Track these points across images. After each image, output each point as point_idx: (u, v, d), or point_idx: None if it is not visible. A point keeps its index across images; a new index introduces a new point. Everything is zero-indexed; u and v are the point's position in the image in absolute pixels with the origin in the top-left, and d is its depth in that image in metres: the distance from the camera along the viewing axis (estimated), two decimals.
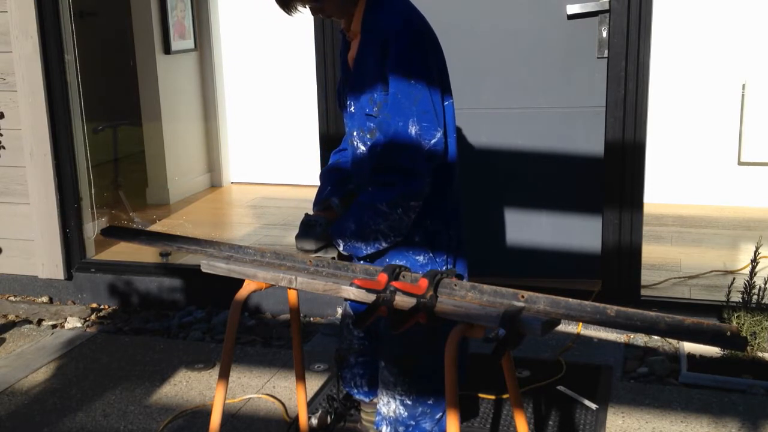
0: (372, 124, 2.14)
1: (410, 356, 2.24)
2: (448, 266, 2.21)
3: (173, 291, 3.80)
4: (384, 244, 2.10)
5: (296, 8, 2.15)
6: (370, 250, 2.11)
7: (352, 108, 2.22)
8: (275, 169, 5.76)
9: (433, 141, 2.06)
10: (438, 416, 2.26)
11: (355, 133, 2.22)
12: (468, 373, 2.36)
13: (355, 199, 2.18)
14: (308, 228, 2.15)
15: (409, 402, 2.24)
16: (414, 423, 2.25)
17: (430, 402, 2.24)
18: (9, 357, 3.35)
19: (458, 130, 3.54)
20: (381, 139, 2.09)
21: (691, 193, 5.01)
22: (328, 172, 2.40)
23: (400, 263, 2.12)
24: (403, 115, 2.04)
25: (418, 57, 2.06)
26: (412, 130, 2.04)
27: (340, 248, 2.13)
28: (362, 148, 2.21)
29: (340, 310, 3.61)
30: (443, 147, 2.10)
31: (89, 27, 5.65)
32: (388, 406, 2.28)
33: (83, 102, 3.91)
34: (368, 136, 2.16)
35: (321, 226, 2.15)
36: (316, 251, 2.12)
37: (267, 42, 5.62)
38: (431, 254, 2.17)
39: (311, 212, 2.28)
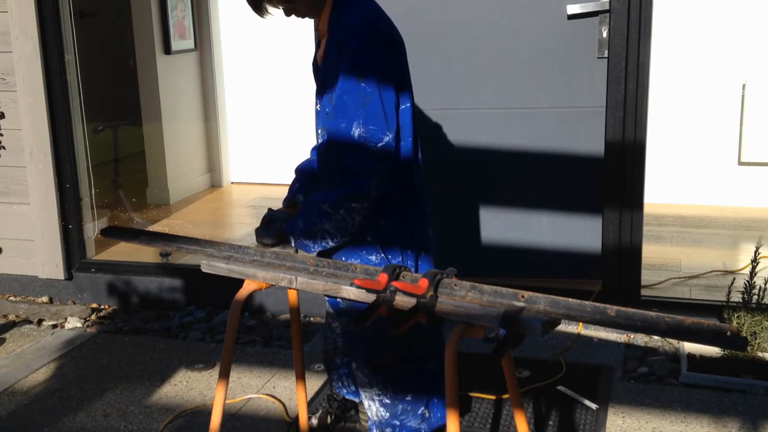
0: None
1: (379, 354, 2.24)
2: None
3: (173, 291, 3.80)
4: (331, 243, 2.13)
5: (267, 10, 2.15)
6: (317, 248, 2.15)
7: (317, 106, 2.25)
8: (275, 169, 5.74)
9: (380, 144, 2.05)
10: (420, 411, 2.26)
11: (319, 131, 2.25)
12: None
13: (308, 197, 2.23)
14: (268, 223, 2.24)
15: (387, 401, 2.24)
16: (399, 423, 2.26)
17: (408, 398, 2.25)
18: (9, 357, 3.35)
19: (459, 130, 3.54)
20: (325, 140, 2.12)
21: (691, 193, 5.01)
22: (300, 169, 2.44)
23: (354, 261, 2.13)
24: (346, 117, 2.04)
25: (370, 58, 2.05)
26: (356, 131, 2.03)
27: (292, 244, 2.18)
28: None
29: None
30: (393, 149, 2.09)
31: (89, 27, 5.65)
32: (371, 409, 2.29)
33: (83, 102, 3.91)
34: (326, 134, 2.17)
35: (280, 222, 2.21)
36: (273, 246, 2.19)
37: (267, 42, 5.61)
38: (383, 254, 2.18)
39: (278, 208, 2.34)
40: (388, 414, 2.25)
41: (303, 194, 2.35)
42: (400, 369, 2.25)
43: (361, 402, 2.53)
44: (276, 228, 2.20)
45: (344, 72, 2.04)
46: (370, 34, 2.06)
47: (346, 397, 2.53)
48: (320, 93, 2.23)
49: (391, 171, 2.12)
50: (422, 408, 2.26)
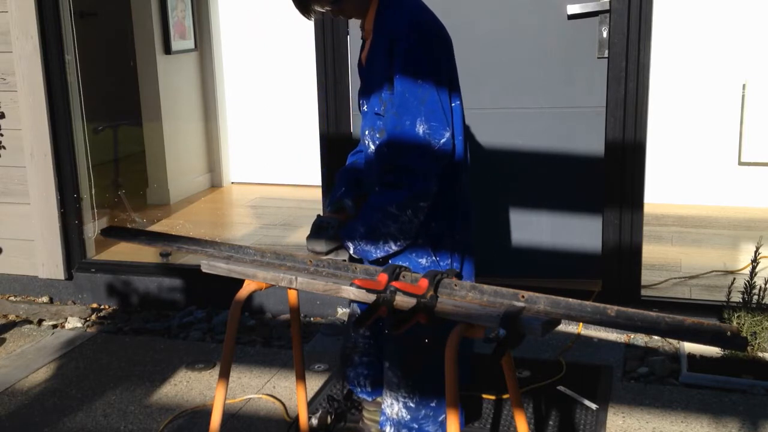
0: (381, 123, 2.13)
1: (415, 358, 2.23)
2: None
3: (173, 291, 3.80)
4: (394, 247, 2.08)
5: (315, 11, 2.15)
6: (380, 254, 2.09)
7: (364, 107, 2.22)
8: (275, 169, 5.76)
9: (442, 141, 2.04)
10: (441, 418, 2.25)
11: (366, 132, 2.22)
12: (474, 372, 2.36)
13: (366, 201, 2.17)
14: (320, 230, 2.13)
15: (412, 404, 2.23)
16: (417, 426, 2.25)
17: (433, 404, 2.24)
18: (9, 357, 3.35)
19: None
20: (388, 139, 2.08)
21: (691, 193, 5.01)
22: (343, 173, 2.38)
23: (404, 265, 2.11)
24: (410, 114, 2.02)
25: (425, 56, 2.05)
26: (420, 129, 2.02)
27: (351, 251, 2.12)
28: (372, 147, 2.20)
29: (340, 311, 3.61)
30: (451, 147, 2.09)
31: (89, 27, 5.65)
32: (392, 407, 2.28)
33: (83, 102, 3.91)
34: (377, 135, 2.15)
35: (333, 228, 2.12)
36: (327, 253, 2.11)
37: (267, 42, 5.62)
38: (434, 257, 2.16)
39: (323, 213, 2.27)
40: (409, 416, 2.24)
41: (350, 198, 2.26)
42: (432, 376, 2.23)
43: (371, 401, 2.52)
44: (330, 234, 2.11)
45: (400, 72, 2.03)
46: (421, 33, 2.05)
47: (360, 395, 2.52)
48: (366, 93, 2.20)
49: (445, 170, 2.10)
50: (443, 416, 2.25)
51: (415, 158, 2.03)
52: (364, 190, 2.28)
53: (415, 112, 2.02)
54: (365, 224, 2.08)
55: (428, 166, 2.04)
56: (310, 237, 2.13)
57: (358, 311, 2.40)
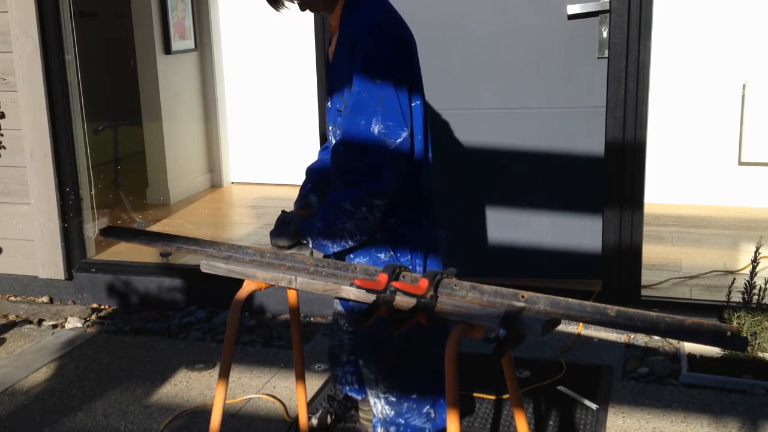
0: (341, 120, 2.15)
1: (385, 352, 2.24)
2: (415, 266, 2.21)
3: (173, 291, 3.80)
4: (350, 243, 2.11)
5: (283, 4, 2.16)
6: (336, 248, 2.12)
7: (329, 103, 2.24)
8: (275, 169, 5.76)
9: (398, 140, 2.05)
10: (425, 410, 2.26)
11: (330, 128, 2.25)
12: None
13: (325, 197, 2.20)
14: (283, 225, 2.20)
15: (393, 399, 2.24)
16: (403, 422, 2.25)
17: (413, 397, 2.24)
18: (9, 357, 3.35)
19: (459, 130, 3.54)
20: (343, 138, 2.10)
21: (691, 193, 5.01)
22: (311, 170, 2.42)
23: (363, 260, 2.14)
24: (365, 114, 2.04)
25: (384, 56, 2.06)
26: (375, 129, 2.03)
27: (310, 245, 2.16)
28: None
29: None
30: (409, 147, 2.09)
31: (89, 27, 5.65)
32: (376, 407, 2.29)
33: (83, 102, 3.91)
34: (338, 131, 2.17)
35: (295, 224, 2.19)
36: (289, 248, 2.17)
37: (267, 42, 5.61)
38: (393, 253, 2.17)
39: (291, 209, 2.32)
40: (393, 412, 2.25)
41: (316, 195, 2.32)
42: (407, 368, 2.24)
43: (363, 400, 2.53)
44: (291, 229, 2.17)
45: (358, 71, 2.04)
46: (381, 33, 2.06)
47: (350, 394, 2.53)
48: (331, 90, 2.22)
49: (404, 169, 2.11)
50: (427, 407, 2.26)
51: (369, 157, 2.05)
52: (330, 187, 2.30)
53: (372, 111, 2.03)
54: (322, 220, 2.11)
55: (384, 165, 2.05)
56: (273, 232, 2.20)
57: (340, 308, 2.41)
